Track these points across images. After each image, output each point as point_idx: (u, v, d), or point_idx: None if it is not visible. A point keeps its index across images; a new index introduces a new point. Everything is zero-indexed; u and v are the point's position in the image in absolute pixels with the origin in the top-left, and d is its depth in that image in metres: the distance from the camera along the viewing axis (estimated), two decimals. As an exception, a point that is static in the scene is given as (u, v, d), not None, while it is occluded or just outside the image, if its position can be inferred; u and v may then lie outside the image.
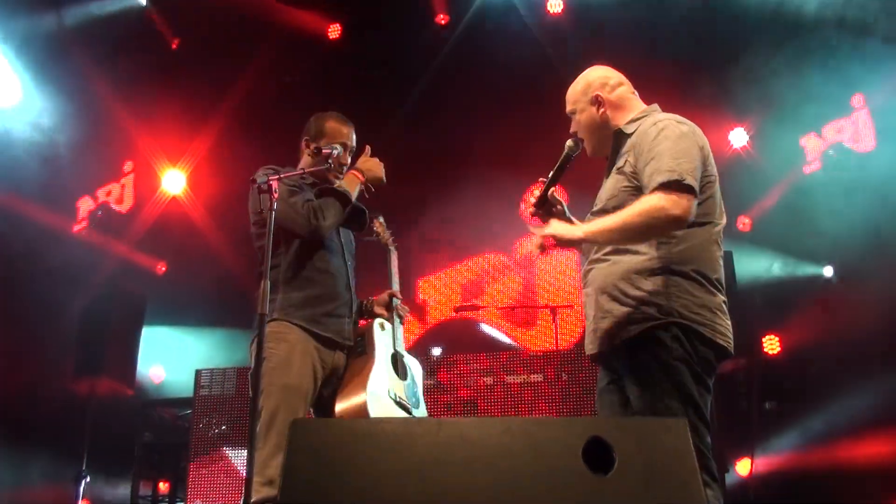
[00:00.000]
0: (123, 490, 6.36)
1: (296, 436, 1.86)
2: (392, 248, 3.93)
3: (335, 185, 3.50)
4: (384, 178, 3.59)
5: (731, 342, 2.75)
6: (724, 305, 2.76)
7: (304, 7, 7.60)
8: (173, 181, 7.60)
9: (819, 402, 5.88)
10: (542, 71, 7.15)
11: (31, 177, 7.18)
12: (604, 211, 2.78)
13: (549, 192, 2.98)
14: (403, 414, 3.45)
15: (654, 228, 2.62)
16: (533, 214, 3.01)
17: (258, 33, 7.47)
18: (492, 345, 6.92)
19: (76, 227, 7.80)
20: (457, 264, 7.33)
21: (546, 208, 3.01)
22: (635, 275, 2.71)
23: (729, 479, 5.68)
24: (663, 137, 2.70)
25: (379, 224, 3.94)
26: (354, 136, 3.68)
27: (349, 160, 3.67)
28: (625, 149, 2.82)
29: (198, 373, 5.54)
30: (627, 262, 2.73)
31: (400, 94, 7.15)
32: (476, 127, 7.21)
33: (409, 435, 1.91)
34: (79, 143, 7.48)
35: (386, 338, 3.64)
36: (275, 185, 2.99)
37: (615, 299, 2.73)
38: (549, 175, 2.96)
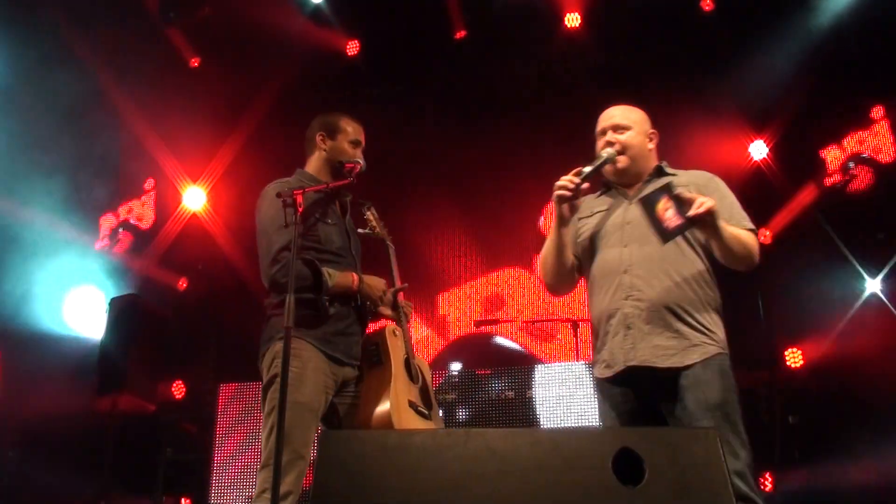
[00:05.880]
0: (146, 506, 6.38)
1: (326, 448, 1.87)
2: (389, 241, 3.84)
3: (335, 274, 3.43)
4: (377, 301, 3.55)
5: None
6: None
7: (321, 24, 7.64)
8: (194, 198, 7.65)
9: (844, 418, 5.81)
10: (561, 86, 7.17)
11: (53, 194, 7.25)
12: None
13: (581, 187, 3.05)
14: (423, 421, 3.44)
15: (750, 254, 2.96)
16: (561, 199, 3.01)
17: (276, 51, 7.52)
18: (512, 359, 6.90)
19: (98, 245, 7.87)
20: (477, 279, 7.32)
21: (571, 198, 3.05)
22: (698, 303, 2.93)
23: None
24: (728, 192, 3.09)
25: (371, 215, 3.84)
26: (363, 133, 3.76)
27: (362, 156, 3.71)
28: (676, 183, 2.99)
29: (219, 388, 5.56)
30: (689, 289, 2.93)
31: (418, 109, 7.17)
32: (496, 141, 7.22)
33: (437, 447, 1.91)
34: (100, 160, 7.55)
35: (399, 343, 3.61)
36: (299, 198, 3.01)
37: (682, 321, 2.89)
38: (587, 169, 3.03)
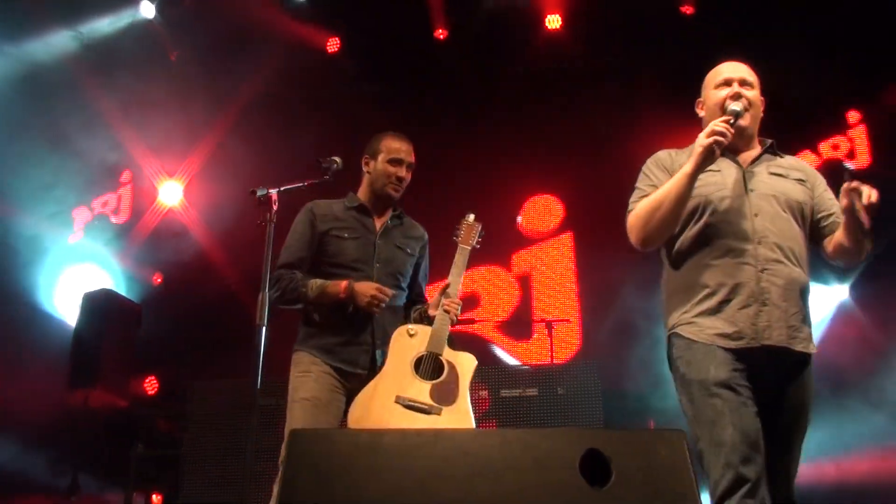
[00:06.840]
0: (116, 502, 6.32)
1: (295, 446, 1.86)
2: (464, 246, 3.79)
3: (322, 284, 3.45)
4: (366, 307, 3.43)
5: None
6: None
7: (302, 20, 7.62)
8: (170, 193, 7.60)
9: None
10: (540, 87, 7.18)
11: (26, 186, 7.19)
12: (787, 204, 2.92)
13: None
14: (410, 418, 3.27)
15: (862, 254, 2.89)
16: (719, 146, 2.85)
17: (256, 46, 7.49)
18: (487, 359, 6.90)
19: (72, 238, 7.80)
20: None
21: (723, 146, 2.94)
22: (810, 291, 2.91)
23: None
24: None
25: (463, 224, 3.83)
26: (412, 153, 3.73)
27: (407, 175, 3.73)
28: (787, 165, 3.06)
29: (192, 385, 5.53)
30: (807, 274, 2.90)
31: (397, 108, 7.16)
32: (473, 140, 7.23)
33: (407, 447, 1.90)
34: (75, 153, 7.49)
35: (412, 342, 3.50)
36: (274, 196, 3.02)
37: (807, 305, 2.88)
38: (732, 120, 2.90)
